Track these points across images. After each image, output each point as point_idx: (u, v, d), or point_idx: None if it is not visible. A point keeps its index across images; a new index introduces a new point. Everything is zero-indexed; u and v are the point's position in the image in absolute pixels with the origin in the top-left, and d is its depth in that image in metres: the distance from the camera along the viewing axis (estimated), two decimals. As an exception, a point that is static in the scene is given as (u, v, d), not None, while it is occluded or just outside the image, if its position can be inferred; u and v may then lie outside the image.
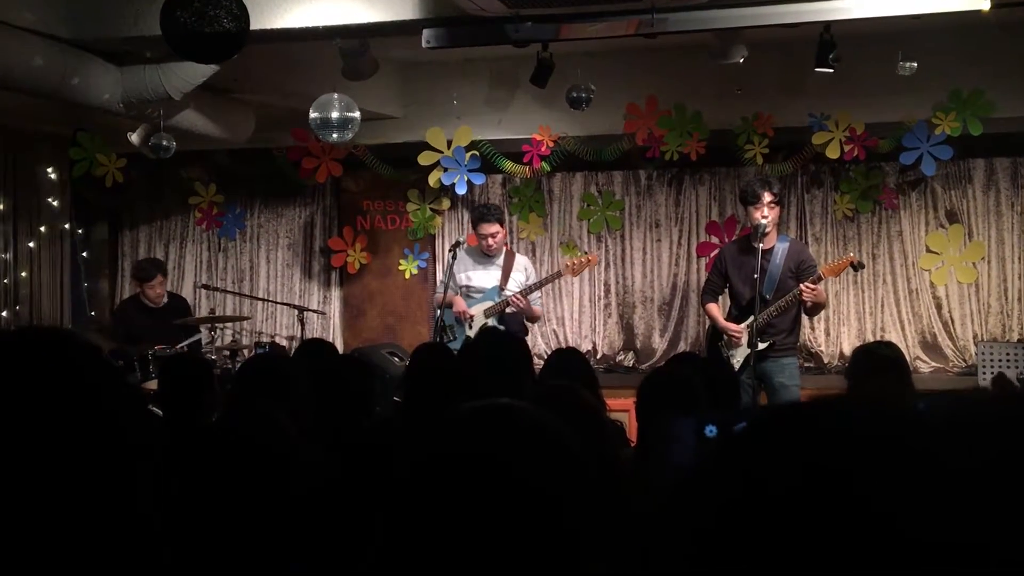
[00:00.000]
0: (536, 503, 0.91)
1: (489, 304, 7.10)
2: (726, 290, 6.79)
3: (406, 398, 4.07)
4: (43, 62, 6.18)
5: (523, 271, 7.27)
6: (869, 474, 0.57)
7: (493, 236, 7.11)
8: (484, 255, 7.23)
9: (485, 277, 7.20)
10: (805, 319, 7.12)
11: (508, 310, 7.03)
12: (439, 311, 7.23)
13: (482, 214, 7.20)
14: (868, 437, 0.60)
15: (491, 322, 7.03)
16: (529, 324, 7.50)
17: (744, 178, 8.59)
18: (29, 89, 6.46)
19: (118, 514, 1.11)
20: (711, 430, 1.21)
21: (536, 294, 7.29)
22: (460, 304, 7.14)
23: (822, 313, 7.29)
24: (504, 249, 7.36)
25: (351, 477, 2.88)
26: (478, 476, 0.92)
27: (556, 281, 8.20)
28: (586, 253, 8.13)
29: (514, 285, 7.15)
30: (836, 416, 0.63)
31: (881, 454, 0.58)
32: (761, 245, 6.30)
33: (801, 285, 6.17)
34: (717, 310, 6.69)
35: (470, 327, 7.03)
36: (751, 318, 6.28)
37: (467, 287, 7.22)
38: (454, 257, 7.61)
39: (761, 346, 6.25)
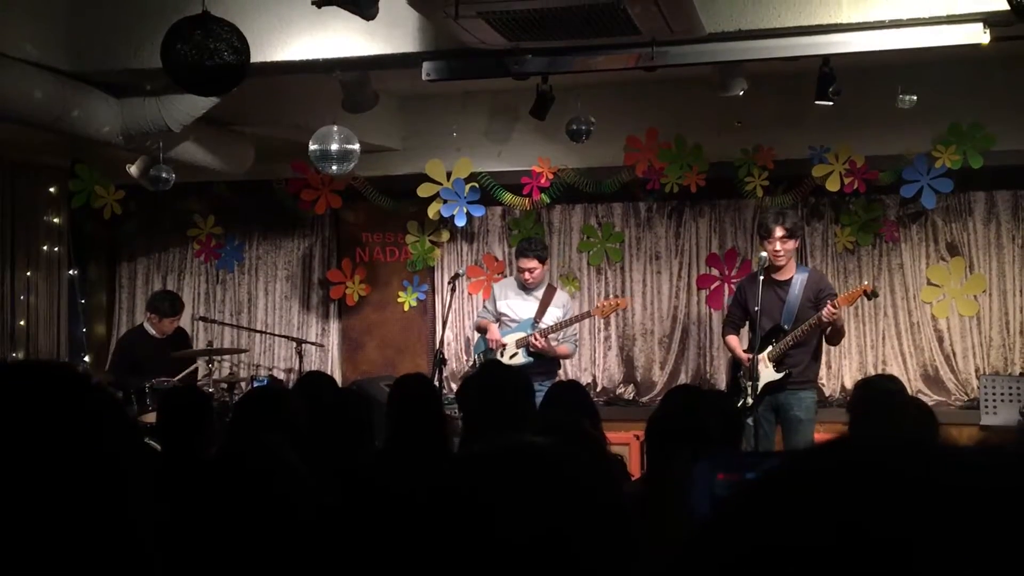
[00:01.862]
0: (557, 550, 0.87)
1: (522, 335, 7.19)
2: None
3: (391, 430, 4.03)
4: (43, 94, 6.18)
5: (561, 307, 7.35)
6: (911, 529, 0.54)
7: (531, 271, 7.25)
8: (524, 287, 7.30)
9: (523, 307, 7.30)
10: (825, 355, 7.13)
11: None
12: (439, 344, 7.34)
13: (523, 248, 7.37)
14: (906, 485, 0.56)
15: (521, 353, 7.14)
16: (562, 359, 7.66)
17: (744, 211, 8.61)
18: (29, 121, 6.46)
19: (115, 546, 1.10)
20: (722, 486, 1.17)
21: (573, 331, 7.37)
22: (494, 332, 7.25)
23: (824, 346, 7.27)
24: (545, 282, 7.43)
25: (351, 507, 2.85)
26: (497, 520, 0.88)
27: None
28: (617, 296, 8.16)
29: (550, 319, 7.25)
30: (861, 466, 0.59)
31: (924, 504, 0.54)
32: (776, 276, 6.32)
33: (823, 311, 6.17)
34: (736, 342, 6.69)
35: (501, 355, 7.11)
36: (768, 348, 6.28)
37: (504, 315, 7.30)
38: (453, 290, 7.65)
39: (777, 376, 6.25)
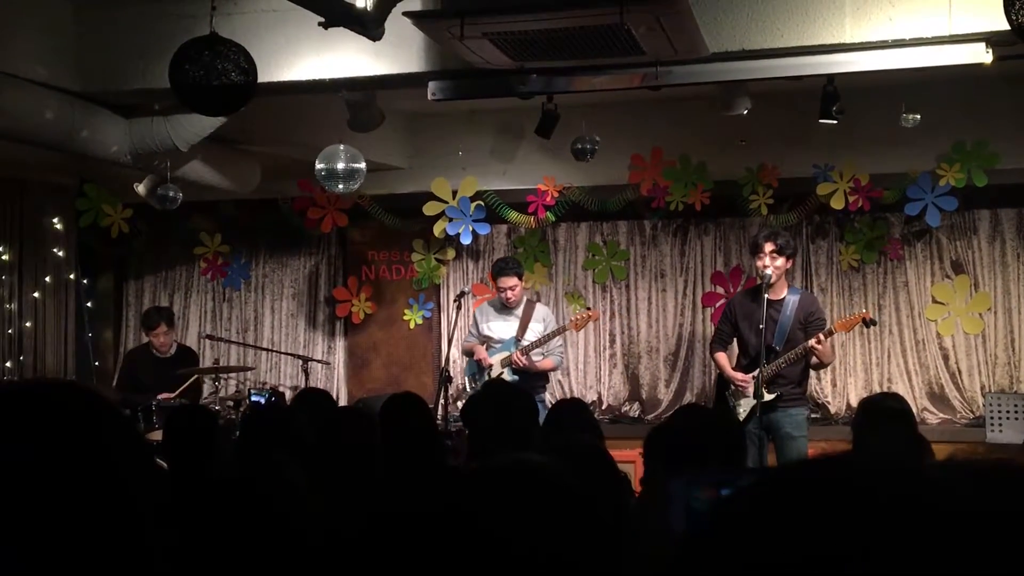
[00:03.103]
0: (553, 565, 0.89)
1: (506, 354, 7.23)
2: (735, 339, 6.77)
3: (384, 452, 4.02)
4: (52, 114, 6.23)
5: (541, 321, 7.36)
6: (883, 551, 0.55)
7: (512, 289, 7.28)
8: (505, 307, 7.34)
9: (504, 328, 7.33)
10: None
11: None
12: (444, 362, 7.39)
13: (501, 268, 7.37)
14: (866, 502, 0.57)
15: (507, 372, 7.14)
16: (551, 373, 7.67)
17: (749, 229, 8.63)
18: (39, 141, 6.51)
19: (126, 569, 1.10)
20: (699, 500, 1.18)
21: (558, 345, 7.39)
22: (482, 352, 7.30)
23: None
24: (524, 299, 7.46)
25: (354, 530, 2.86)
26: (496, 540, 0.90)
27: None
28: (588, 308, 8.20)
29: (532, 335, 7.26)
30: (828, 484, 0.60)
31: (884, 521, 0.56)
32: (769, 296, 6.29)
33: (811, 341, 6.16)
34: (725, 359, 6.67)
35: (489, 376, 7.14)
36: (759, 368, 6.26)
37: (487, 337, 7.34)
38: (459, 308, 7.66)
39: (768, 397, 6.22)
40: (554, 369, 7.68)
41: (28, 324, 9.05)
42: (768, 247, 6.31)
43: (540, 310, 7.50)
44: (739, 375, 6.43)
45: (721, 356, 6.69)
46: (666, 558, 0.62)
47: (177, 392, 7.65)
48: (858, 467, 0.60)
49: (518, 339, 7.26)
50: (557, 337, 7.38)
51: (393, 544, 0.94)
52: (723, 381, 6.64)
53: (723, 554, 0.59)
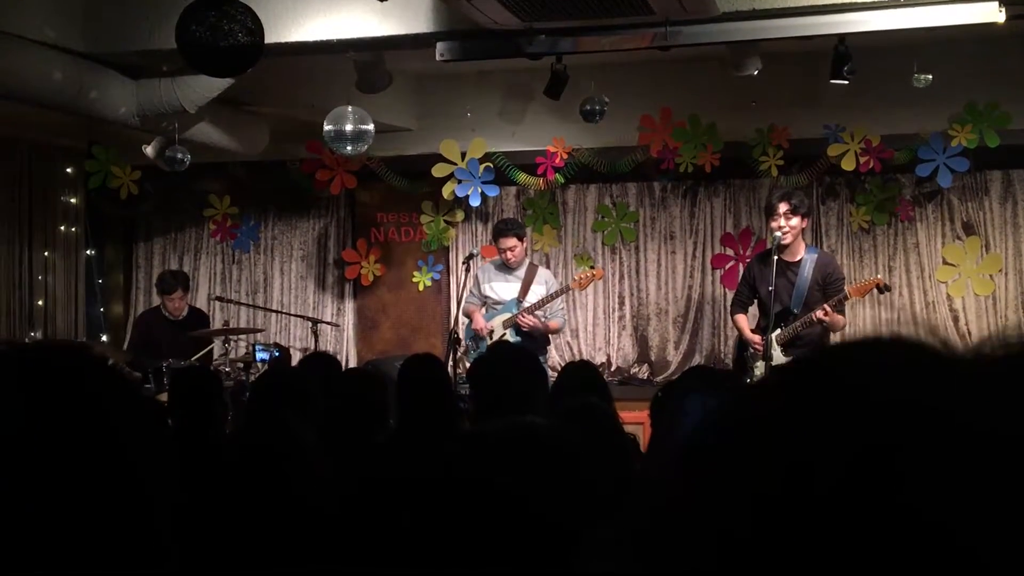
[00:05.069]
0: (550, 533, 0.89)
1: (507, 316, 7.22)
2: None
3: (400, 413, 4.02)
4: (61, 76, 6.22)
5: (544, 284, 7.35)
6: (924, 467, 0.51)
7: (512, 249, 7.25)
8: (506, 267, 7.33)
9: (505, 289, 7.32)
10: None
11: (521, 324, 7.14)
12: (453, 324, 7.38)
13: (501, 229, 7.35)
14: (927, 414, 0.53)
15: (509, 334, 7.14)
16: (552, 336, 7.64)
17: (759, 190, 8.59)
18: (47, 102, 6.50)
19: (129, 532, 1.10)
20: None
21: (560, 306, 7.38)
22: (478, 320, 7.29)
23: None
24: (527, 261, 7.44)
25: (364, 493, 2.87)
26: (494, 502, 0.90)
27: (569, 294, 8.21)
28: (592, 267, 8.20)
29: (533, 297, 7.25)
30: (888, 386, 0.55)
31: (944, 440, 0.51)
32: (786, 258, 6.29)
33: (817, 312, 6.14)
34: (745, 320, 6.67)
35: (490, 339, 7.13)
36: (776, 332, 6.27)
37: (488, 299, 7.33)
38: (467, 269, 7.67)
39: (784, 359, 6.23)
40: (559, 330, 7.69)
41: (39, 278, 9.09)
42: (782, 207, 6.29)
43: (542, 273, 7.50)
44: (755, 337, 6.44)
45: (740, 318, 6.70)
46: (673, 461, 0.59)
47: (195, 358, 7.71)
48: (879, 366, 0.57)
49: (520, 300, 7.26)
50: (559, 299, 7.37)
51: (392, 513, 0.95)
52: (743, 343, 6.66)
53: (737, 448, 0.56)
